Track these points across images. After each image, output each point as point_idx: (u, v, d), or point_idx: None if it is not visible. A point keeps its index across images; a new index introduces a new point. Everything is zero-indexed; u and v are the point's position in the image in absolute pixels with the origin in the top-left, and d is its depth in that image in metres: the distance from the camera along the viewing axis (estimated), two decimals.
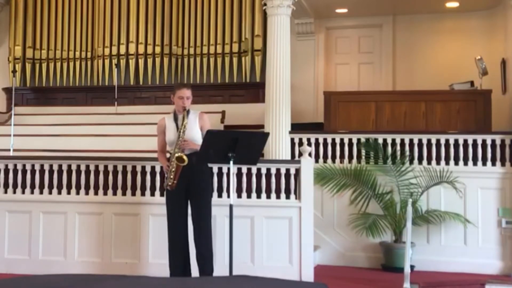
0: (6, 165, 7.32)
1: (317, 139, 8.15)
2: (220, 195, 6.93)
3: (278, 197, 6.93)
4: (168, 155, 6.14)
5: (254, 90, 10.40)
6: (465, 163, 7.79)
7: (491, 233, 7.66)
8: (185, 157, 5.73)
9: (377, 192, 7.71)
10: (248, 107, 10.00)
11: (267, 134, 6.23)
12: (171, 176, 5.82)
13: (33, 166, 7.28)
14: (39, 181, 7.25)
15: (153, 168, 7.08)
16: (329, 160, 8.06)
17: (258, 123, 8.90)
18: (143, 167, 7.10)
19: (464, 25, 9.88)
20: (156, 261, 6.91)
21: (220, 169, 6.95)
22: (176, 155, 5.77)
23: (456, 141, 7.84)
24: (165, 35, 11.08)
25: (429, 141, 7.90)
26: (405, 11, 9.98)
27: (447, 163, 7.79)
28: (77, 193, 7.18)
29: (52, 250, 7.13)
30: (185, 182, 5.86)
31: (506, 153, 7.73)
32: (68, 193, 7.20)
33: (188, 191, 5.94)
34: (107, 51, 11.20)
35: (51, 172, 7.25)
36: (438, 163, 7.81)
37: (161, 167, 7.02)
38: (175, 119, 6.03)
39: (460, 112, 8.31)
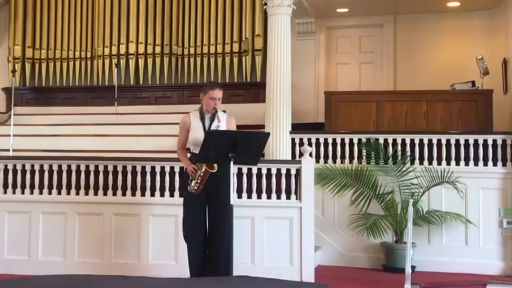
0: (6, 165, 7.30)
1: (317, 139, 8.13)
2: None
3: (278, 197, 6.91)
4: (189, 155, 6.00)
5: (255, 90, 10.37)
6: (466, 163, 7.77)
7: (492, 233, 7.64)
8: (214, 164, 5.61)
9: (378, 192, 7.69)
10: (248, 107, 9.96)
11: (268, 134, 6.18)
12: (198, 181, 5.68)
13: (32, 166, 7.25)
14: (38, 181, 7.22)
15: (153, 168, 7.06)
16: (330, 160, 8.04)
17: (258, 123, 8.88)
18: (143, 167, 7.07)
19: (465, 25, 9.85)
20: (156, 261, 6.89)
21: None
22: None
23: (457, 141, 7.82)
24: (165, 35, 11.06)
25: (430, 141, 7.88)
26: (406, 11, 9.96)
27: (448, 163, 7.77)
28: (77, 193, 7.16)
29: (51, 250, 7.11)
30: (207, 184, 5.73)
31: (508, 153, 7.70)
32: (68, 193, 7.18)
33: (209, 193, 5.80)
34: (107, 51, 11.17)
35: (50, 172, 7.22)
36: (439, 163, 7.79)
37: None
38: (202, 118, 5.89)
39: (461, 112, 8.30)
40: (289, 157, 7.87)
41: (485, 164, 7.74)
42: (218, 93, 5.85)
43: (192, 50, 10.92)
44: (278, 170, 6.94)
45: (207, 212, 5.89)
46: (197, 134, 5.84)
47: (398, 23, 10.18)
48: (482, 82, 8.53)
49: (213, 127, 5.77)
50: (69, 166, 7.21)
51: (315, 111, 10.15)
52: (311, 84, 10.35)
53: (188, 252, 5.93)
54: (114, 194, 7.11)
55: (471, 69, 8.94)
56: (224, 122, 5.86)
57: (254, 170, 6.91)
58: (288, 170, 6.91)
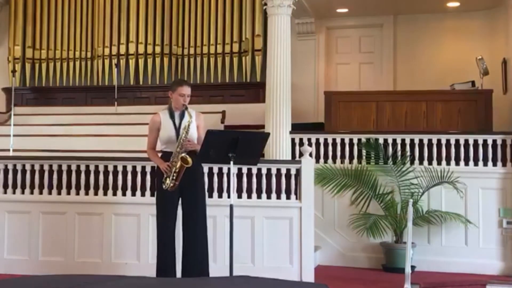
0: (6, 165, 7.30)
1: (317, 139, 8.14)
2: (220, 196, 6.92)
3: (278, 197, 6.92)
4: (160, 154, 6.01)
5: (255, 90, 10.38)
6: (466, 163, 7.77)
7: (492, 233, 7.64)
8: (189, 159, 5.63)
9: (377, 192, 7.69)
10: (248, 107, 9.98)
11: (268, 134, 6.20)
12: (174, 178, 5.70)
13: (32, 166, 7.25)
14: (38, 181, 7.22)
15: (153, 168, 7.04)
16: (330, 160, 8.04)
17: (258, 123, 8.88)
18: (143, 167, 7.08)
19: (465, 25, 9.86)
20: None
21: (220, 169, 6.93)
22: (181, 155, 5.65)
23: (457, 141, 7.82)
24: (165, 35, 11.07)
25: (430, 141, 7.88)
26: (406, 11, 9.96)
27: (448, 163, 7.77)
28: (77, 193, 7.15)
29: (51, 250, 7.11)
30: (180, 182, 5.76)
31: (507, 153, 7.71)
32: (68, 193, 7.18)
33: (182, 191, 5.83)
34: (107, 51, 11.18)
35: (50, 172, 7.22)
36: (439, 163, 7.79)
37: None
38: (172, 116, 5.92)
39: (461, 112, 8.30)
40: (289, 157, 7.88)
41: (485, 164, 7.74)
42: (187, 90, 5.89)
43: (192, 50, 10.93)
44: (278, 170, 6.94)
45: (183, 208, 5.90)
46: (169, 132, 5.87)
47: (398, 23, 10.19)
48: (482, 82, 8.53)
49: (184, 123, 5.78)
50: (69, 166, 7.21)
51: (315, 111, 10.15)
52: (311, 84, 10.36)
53: (160, 250, 5.92)
54: (114, 194, 7.11)
55: (471, 69, 8.94)
56: (194, 118, 5.85)
57: (254, 170, 6.91)
58: (288, 170, 6.92)
